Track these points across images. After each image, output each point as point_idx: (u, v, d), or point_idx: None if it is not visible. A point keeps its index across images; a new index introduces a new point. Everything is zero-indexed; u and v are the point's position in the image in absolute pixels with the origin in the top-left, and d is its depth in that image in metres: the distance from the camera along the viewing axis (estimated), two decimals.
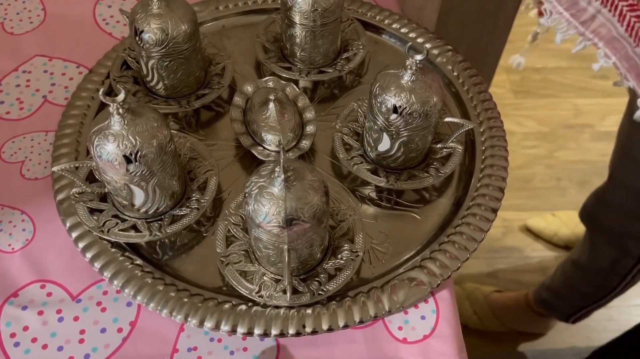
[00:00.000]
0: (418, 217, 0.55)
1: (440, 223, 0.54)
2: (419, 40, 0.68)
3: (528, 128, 1.83)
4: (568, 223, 1.57)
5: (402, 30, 0.69)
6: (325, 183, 0.46)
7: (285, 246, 0.45)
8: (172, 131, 0.57)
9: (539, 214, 1.68)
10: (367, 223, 0.54)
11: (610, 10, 0.63)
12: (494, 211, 0.54)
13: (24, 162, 0.57)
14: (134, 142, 0.46)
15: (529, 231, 1.70)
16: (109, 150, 0.46)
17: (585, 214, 0.99)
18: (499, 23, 1.06)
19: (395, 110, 0.50)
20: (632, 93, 0.76)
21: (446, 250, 0.51)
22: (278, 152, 0.57)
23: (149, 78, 0.60)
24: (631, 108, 0.83)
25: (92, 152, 0.47)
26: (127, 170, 0.47)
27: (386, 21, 0.70)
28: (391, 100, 0.50)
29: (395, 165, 0.56)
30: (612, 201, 0.92)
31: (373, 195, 0.57)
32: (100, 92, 0.45)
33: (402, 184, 0.54)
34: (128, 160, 0.47)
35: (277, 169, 0.43)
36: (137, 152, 0.47)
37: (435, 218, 0.55)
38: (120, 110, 0.46)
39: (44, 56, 0.66)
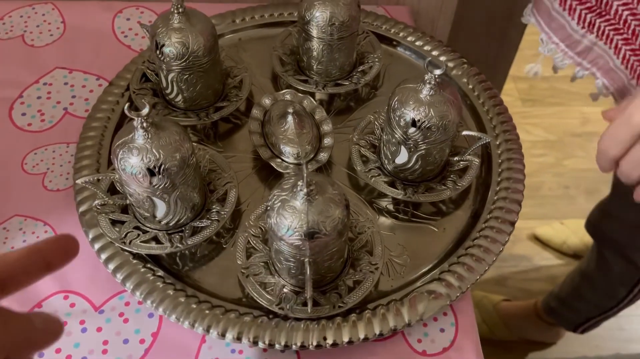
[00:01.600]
0: (435, 229, 0.56)
1: (458, 236, 0.55)
2: (434, 53, 0.69)
3: (536, 137, 1.83)
4: (577, 232, 1.56)
5: (417, 43, 0.70)
6: (346, 197, 0.46)
7: (307, 259, 0.46)
8: (193, 145, 0.58)
9: (548, 222, 1.68)
10: (384, 236, 0.55)
11: (606, 43, 0.64)
12: (512, 223, 0.54)
13: (45, 174, 0.58)
14: (157, 156, 0.47)
15: (537, 239, 1.70)
16: (132, 163, 0.47)
17: (591, 226, 0.99)
18: (509, 33, 1.06)
19: (413, 123, 0.51)
20: None
21: (464, 262, 0.52)
22: (297, 165, 0.58)
23: (168, 91, 0.61)
24: None
25: (116, 165, 0.48)
26: (151, 182, 0.48)
27: (401, 34, 0.71)
28: (410, 114, 0.51)
29: (413, 178, 0.56)
30: (615, 213, 0.92)
31: (390, 207, 0.57)
32: (126, 107, 0.46)
33: (419, 197, 0.55)
34: (152, 173, 0.47)
35: (299, 183, 0.43)
36: (161, 165, 0.47)
37: (453, 231, 0.55)
38: (144, 124, 0.47)
39: (64, 68, 0.67)
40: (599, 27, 0.64)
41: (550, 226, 1.63)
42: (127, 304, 0.50)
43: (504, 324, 1.37)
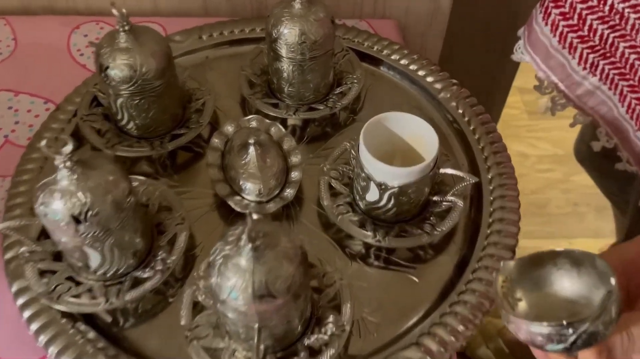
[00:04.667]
0: (416, 279, 0.48)
1: (441, 288, 0.47)
2: (420, 72, 0.62)
3: (542, 151, 1.76)
4: None
5: (402, 61, 0.63)
6: (303, 249, 0.39)
7: (256, 326, 0.38)
8: (140, 179, 0.51)
9: (555, 242, 1.60)
10: (357, 287, 0.47)
11: (610, 89, 0.56)
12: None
13: None
14: (83, 200, 0.40)
15: None
16: (55, 209, 0.40)
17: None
18: (511, 43, 0.99)
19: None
20: None
21: (447, 323, 0.44)
22: (259, 203, 0.50)
23: (119, 117, 0.54)
24: None
25: (36, 211, 0.41)
26: (77, 231, 0.41)
27: (384, 51, 0.64)
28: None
29: (386, 218, 0.49)
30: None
31: (363, 251, 0.50)
32: (43, 143, 0.39)
33: (391, 241, 0.48)
34: (77, 220, 0.40)
35: (243, 237, 0.36)
36: (88, 211, 0.40)
37: (435, 281, 0.48)
38: (68, 163, 0.40)
39: (9, 91, 0.61)
40: (603, 70, 0.57)
41: (557, 245, 1.55)
42: None
43: (509, 351, 1.30)
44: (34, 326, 0.43)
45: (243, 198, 0.51)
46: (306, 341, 0.43)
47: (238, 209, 0.50)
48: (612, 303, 0.34)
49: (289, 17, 0.53)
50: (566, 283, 0.38)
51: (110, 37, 0.51)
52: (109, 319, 0.46)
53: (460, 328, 0.44)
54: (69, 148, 0.39)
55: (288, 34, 0.53)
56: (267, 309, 0.38)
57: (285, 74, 0.57)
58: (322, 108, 0.58)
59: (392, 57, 0.63)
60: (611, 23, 0.55)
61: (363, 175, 0.48)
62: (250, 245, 0.36)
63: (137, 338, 0.45)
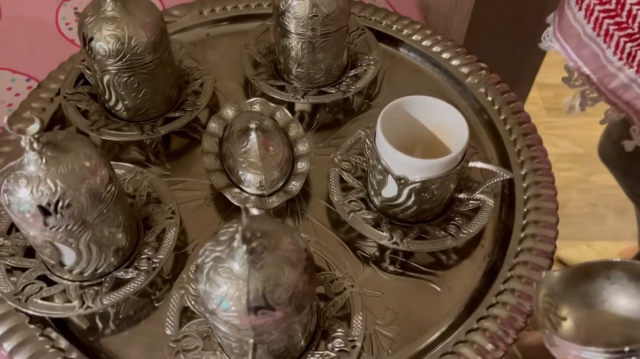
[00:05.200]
0: (438, 289, 0.42)
1: (467, 300, 0.41)
2: (444, 55, 0.55)
3: (561, 149, 1.69)
4: (604, 256, 1.41)
5: (424, 42, 0.56)
6: (309, 253, 0.33)
7: (251, 341, 0.33)
8: (126, 166, 0.45)
9: (572, 244, 1.54)
10: (370, 295, 0.41)
11: None
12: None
13: None
14: (53, 188, 0.34)
15: (560, 262, 1.56)
16: (20, 198, 0.34)
17: None
18: (538, 34, 0.93)
19: None
20: None
21: (473, 341, 0.38)
22: (260, 196, 0.44)
23: (106, 97, 0.48)
24: None
25: (1, 199, 0.35)
26: (46, 224, 0.35)
27: (405, 31, 0.58)
28: None
29: (405, 217, 0.43)
30: None
31: (378, 254, 0.44)
32: (5, 120, 0.33)
33: (410, 244, 0.41)
34: (45, 211, 0.35)
35: (237, 236, 0.30)
36: (58, 201, 0.35)
37: (460, 292, 0.42)
38: (36, 145, 0.34)
39: None
40: None
41: (576, 248, 1.50)
42: None
43: (522, 354, 1.25)
44: None
45: (242, 190, 0.45)
46: (310, 358, 0.37)
47: (236, 203, 0.44)
48: None
49: None
50: (622, 301, 0.32)
51: (95, 5, 0.45)
52: (85, 325, 0.40)
53: (490, 346, 0.38)
54: (35, 127, 0.33)
55: (297, 6, 0.47)
56: (265, 323, 0.32)
57: (293, 53, 0.50)
58: (333, 92, 0.52)
59: (413, 38, 0.57)
60: None
61: (380, 167, 0.41)
62: (245, 247, 0.30)
63: (117, 348, 0.39)
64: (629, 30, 0.51)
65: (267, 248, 0.31)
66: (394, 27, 0.58)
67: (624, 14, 0.51)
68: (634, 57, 0.51)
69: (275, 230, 0.33)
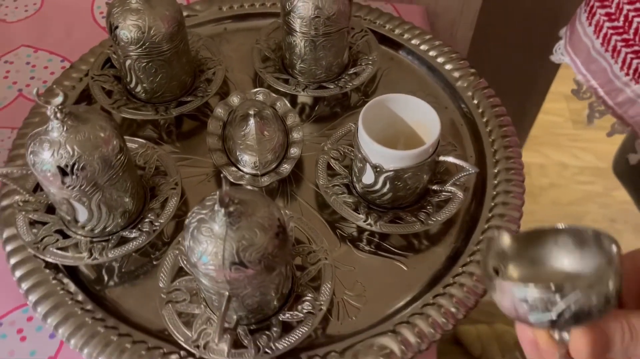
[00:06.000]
0: (405, 268, 0.47)
1: (429, 279, 0.46)
2: (439, 59, 0.60)
3: (584, 162, 1.69)
4: None
5: (422, 47, 0.61)
6: (282, 222, 0.38)
7: (226, 293, 0.38)
8: (139, 141, 0.51)
9: None
10: (344, 270, 0.46)
11: None
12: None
13: None
14: (71, 152, 0.40)
15: None
16: (43, 159, 0.40)
17: None
18: (551, 46, 0.95)
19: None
20: None
21: (428, 314, 0.42)
22: (254, 175, 0.50)
23: (127, 79, 0.55)
24: None
25: (26, 159, 0.41)
26: (63, 183, 0.41)
27: (405, 35, 0.62)
28: None
29: (382, 203, 0.48)
30: None
31: (355, 234, 0.49)
32: (34, 91, 0.39)
33: (382, 226, 0.46)
34: (63, 172, 0.41)
35: (216, 201, 0.35)
36: (74, 164, 0.40)
37: (424, 272, 0.46)
38: (59, 115, 0.40)
39: (30, 47, 0.62)
40: None
41: None
42: (29, 319, 0.43)
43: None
44: (18, 273, 0.44)
45: (239, 169, 0.50)
46: (281, 317, 0.42)
47: (231, 179, 0.49)
48: (610, 274, 0.29)
49: None
50: (566, 263, 0.34)
51: None
52: (92, 276, 0.46)
53: (442, 320, 0.42)
54: (59, 99, 0.39)
55: (302, 7, 0.52)
56: (238, 278, 0.37)
57: (297, 49, 0.55)
58: (332, 87, 0.57)
59: (412, 42, 0.61)
60: None
61: (360, 156, 0.46)
62: (223, 210, 0.35)
63: (117, 297, 0.45)
64: (636, 48, 0.54)
65: (243, 213, 0.36)
66: (396, 31, 0.62)
67: (631, 31, 0.54)
68: None
69: (253, 199, 0.38)
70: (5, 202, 0.48)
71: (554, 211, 1.69)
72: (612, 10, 0.54)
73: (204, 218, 0.37)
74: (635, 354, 0.31)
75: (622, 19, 0.54)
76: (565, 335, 0.30)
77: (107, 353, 0.40)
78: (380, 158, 0.45)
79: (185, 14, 0.64)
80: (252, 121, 0.50)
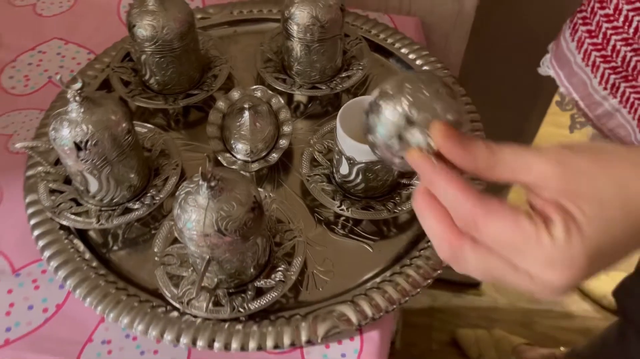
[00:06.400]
0: (371, 250, 0.53)
1: (390, 261, 0.51)
2: (425, 68, 0.65)
3: None
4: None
5: (410, 56, 0.67)
6: (257, 199, 0.44)
7: (207, 256, 0.44)
8: (148, 126, 0.58)
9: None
10: (317, 249, 0.52)
11: (629, 112, 0.56)
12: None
13: (12, 136, 0.60)
14: (86, 130, 0.47)
15: (576, 287, 1.57)
16: (62, 135, 0.48)
17: (616, 298, 0.90)
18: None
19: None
20: None
21: (384, 289, 0.48)
22: (245, 162, 0.56)
23: (143, 72, 0.62)
24: None
25: (49, 134, 0.49)
26: (78, 156, 0.48)
27: (396, 45, 0.68)
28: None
29: (356, 192, 0.54)
30: (636, 294, 0.83)
31: (331, 218, 0.55)
32: (59, 77, 0.46)
33: (353, 212, 0.52)
34: (78, 147, 0.48)
35: (200, 176, 0.42)
36: (88, 140, 0.48)
37: (388, 255, 0.52)
38: (77, 98, 0.47)
39: (61, 39, 0.70)
40: (624, 93, 0.56)
41: (598, 279, 1.51)
42: (43, 272, 0.51)
43: None
44: (36, 232, 0.51)
45: (232, 155, 0.57)
46: (257, 283, 0.48)
47: (224, 164, 0.56)
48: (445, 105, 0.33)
49: (301, 1, 0.59)
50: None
51: (141, 0, 0.58)
52: (99, 240, 0.54)
53: (396, 295, 0.48)
54: (78, 85, 0.47)
55: (299, 15, 0.59)
56: (217, 243, 0.43)
57: (294, 53, 0.62)
58: (324, 88, 0.63)
59: (402, 51, 0.67)
60: (635, 46, 0.56)
61: (337, 149, 0.52)
62: (205, 184, 0.42)
63: (119, 259, 0.52)
64: (613, 64, 0.58)
65: (224, 189, 0.43)
66: (388, 40, 0.68)
67: (609, 48, 0.58)
68: (617, 88, 0.58)
69: (234, 178, 0.44)
70: (30, 172, 0.55)
71: None
72: (593, 28, 0.59)
73: (191, 191, 0.43)
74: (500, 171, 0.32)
75: (601, 36, 0.58)
76: (429, 140, 0.33)
77: (105, 303, 0.47)
78: (354, 151, 0.51)
79: (199, 16, 0.71)
80: (246, 114, 0.56)
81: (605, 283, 1.45)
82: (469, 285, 1.57)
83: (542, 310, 1.55)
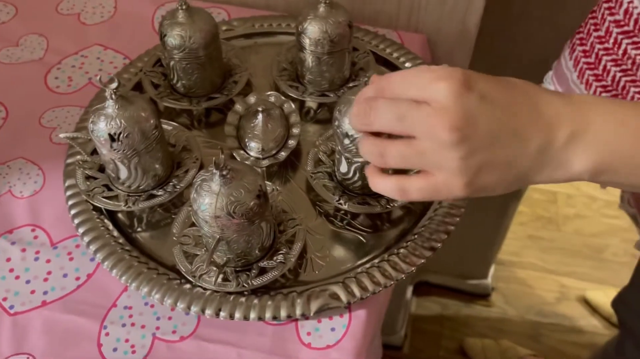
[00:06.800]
0: (364, 241, 0.59)
1: (380, 251, 0.58)
2: None
3: (613, 197, 1.73)
4: None
5: None
6: (262, 188, 0.51)
7: (217, 236, 0.51)
8: (174, 125, 0.66)
9: (602, 288, 1.58)
10: (316, 237, 0.59)
11: None
12: (432, 249, 0.56)
13: (55, 129, 0.69)
14: (119, 124, 0.55)
15: (586, 302, 1.61)
16: (99, 128, 0.55)
17: (615, 310, 0.94)
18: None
19: (347, 135, 0.55)
20: None
21: (372, 274, 0.54)
22: (256, 158, 0.63)
23: (171, 76, 0.69)
24: None
25: (88, 127, 0.56)
26: (111, 147, 0.56)
27: (401, 59, 0.74)
28: (346, 125, 0.55)
29: (354, 189, 0.60)
30: (634, 305, 0.87)
31: (331, 212, 0.61)
32: (98, 77, 0.54)
33: (350, 206, 0.58)
34: (112, 138, 0.55)
35: (213, 165, 0.49)
36: (120, 133, 0.55)
37: (380, 245, 0.58)
38: (113, 96, 0.55)
39: (101, 45, 0.78)
40: None
41: (603, 291, 1.53)
42: (77, 246, 0.58)
43: None
44: (73, 212, 0.59)
45: (246, 152, 0.64)
46: (260, 264, 0.55)
47: (238, 159, 0.63)
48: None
49: (313, 17, 0.66)
50: None
51: (172, 13, 0.66)
52: (127, 221, 0.61)
53: (382, 280, 0.54)
54: (114, 84, 0.54)
55: (311, 30, 0.66)
56: (226, 225, 0.50)
57: (306, 63, 0.69)
58: (332, 96, 0.70)
59: (406, 65, 0.74)
60: (623, 67, 0.61)
61: (338, 149, 0.59)
62: (218, 173, 0.49)
63: (143, 238, 0.59)
64: (604, 82, 0.63)
65: (234, 177, 0.50)
66: (394, 54, 0.75)
67: (601, 67, 0.64)
68: None
69: (244, 170, 0.51)
70: (69, 160, 0.63)
71: (574, 240, 1.74)
72: (587, 48, 0.64)
73: (205, 178, 0.51)
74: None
75: (593, 56, 0.63)
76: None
77: (128, 274, 0.55)
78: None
79: (225, 28, 0.79)
80: (260, 116, 0.63)
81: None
82: (480, 295, 1.61)
83: (551, 324, 1.58)
